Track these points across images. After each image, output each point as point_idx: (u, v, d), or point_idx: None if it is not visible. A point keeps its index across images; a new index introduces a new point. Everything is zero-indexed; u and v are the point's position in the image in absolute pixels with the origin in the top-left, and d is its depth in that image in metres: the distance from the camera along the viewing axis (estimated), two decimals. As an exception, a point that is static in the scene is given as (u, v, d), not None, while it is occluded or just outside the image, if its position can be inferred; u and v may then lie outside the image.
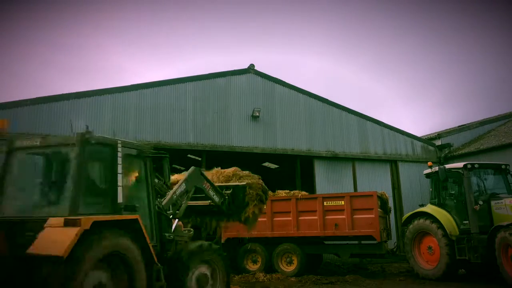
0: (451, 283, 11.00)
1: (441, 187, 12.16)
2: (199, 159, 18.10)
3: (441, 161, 19.57)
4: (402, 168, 19.37)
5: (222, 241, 13.09)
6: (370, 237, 12.64)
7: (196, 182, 8.05)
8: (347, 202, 13.02)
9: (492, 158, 16.44)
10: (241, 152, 16.43)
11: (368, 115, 19.23)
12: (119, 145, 6.09)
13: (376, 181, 18.35)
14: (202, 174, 8.30)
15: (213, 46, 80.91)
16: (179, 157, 20.57)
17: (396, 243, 14.72)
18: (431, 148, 20.45)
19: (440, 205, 12.02)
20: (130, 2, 75.40)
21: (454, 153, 19.65)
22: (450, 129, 23.65)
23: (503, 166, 11.81)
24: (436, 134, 21.47)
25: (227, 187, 8.95)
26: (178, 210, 7.47)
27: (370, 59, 73.92)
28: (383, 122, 19.55)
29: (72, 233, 4.81)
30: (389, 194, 16.61)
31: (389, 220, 13.96)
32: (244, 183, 9.12)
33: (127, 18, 73.86)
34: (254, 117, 16.69)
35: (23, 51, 69.01)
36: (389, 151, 19.34)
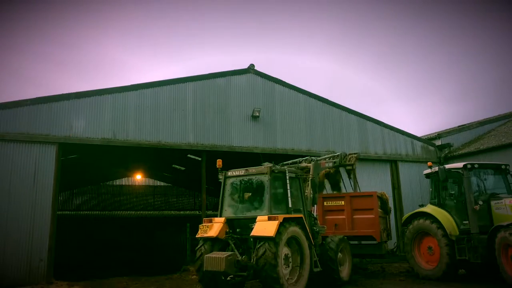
0: (451, 283, 10.99)
1: (441, 187, 12.14)
2: (199, 159, 18.09)
3: (441, 161, 19.56)
4: (402, 168, 19.36)
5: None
6: (370, 237, 12.64)
7: (318, 170, 12.14)
8: (347, 202, 13.03)
9: (492, 158, 16.44)
10: (241, 152, 16.42)
11: (368, 115, 19.25)
12: (287, 172, 9.79)
13: (376, 181, 18.33)
14: (319, 160, 12.43)
15: (213, 46, 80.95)
16: (179, 157, 20.61)
17: (396, 243, 14.71)
18: (431, 148, 20.43)
19: (440, 205, 12.02)
20: (130, 2, 75.40)
21: (454, 153, 19.64)
22: (450, 129, 23.62)
23: (503, 166, 11.81)
24: (436, 134, 21.43)
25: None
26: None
27: (370, 59, 73.96)
28: (383, 122, 19.54)
29: (275, 223, 8.58)
30: (389, 194, 16.60)
31: (389, 221, 13.95)
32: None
33: (127, 18, 73.88)
34: (254, 117, 16.68)
35: (23, 51, 68.99)
36: (389, 151, 19.34)
